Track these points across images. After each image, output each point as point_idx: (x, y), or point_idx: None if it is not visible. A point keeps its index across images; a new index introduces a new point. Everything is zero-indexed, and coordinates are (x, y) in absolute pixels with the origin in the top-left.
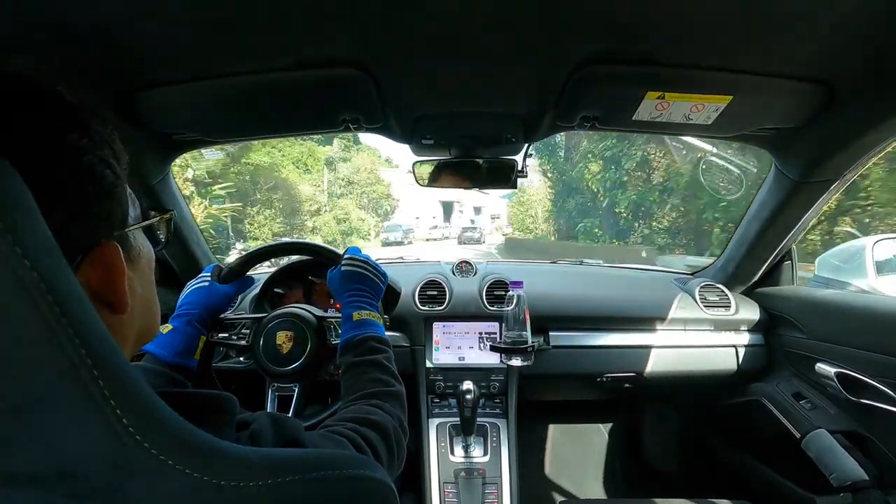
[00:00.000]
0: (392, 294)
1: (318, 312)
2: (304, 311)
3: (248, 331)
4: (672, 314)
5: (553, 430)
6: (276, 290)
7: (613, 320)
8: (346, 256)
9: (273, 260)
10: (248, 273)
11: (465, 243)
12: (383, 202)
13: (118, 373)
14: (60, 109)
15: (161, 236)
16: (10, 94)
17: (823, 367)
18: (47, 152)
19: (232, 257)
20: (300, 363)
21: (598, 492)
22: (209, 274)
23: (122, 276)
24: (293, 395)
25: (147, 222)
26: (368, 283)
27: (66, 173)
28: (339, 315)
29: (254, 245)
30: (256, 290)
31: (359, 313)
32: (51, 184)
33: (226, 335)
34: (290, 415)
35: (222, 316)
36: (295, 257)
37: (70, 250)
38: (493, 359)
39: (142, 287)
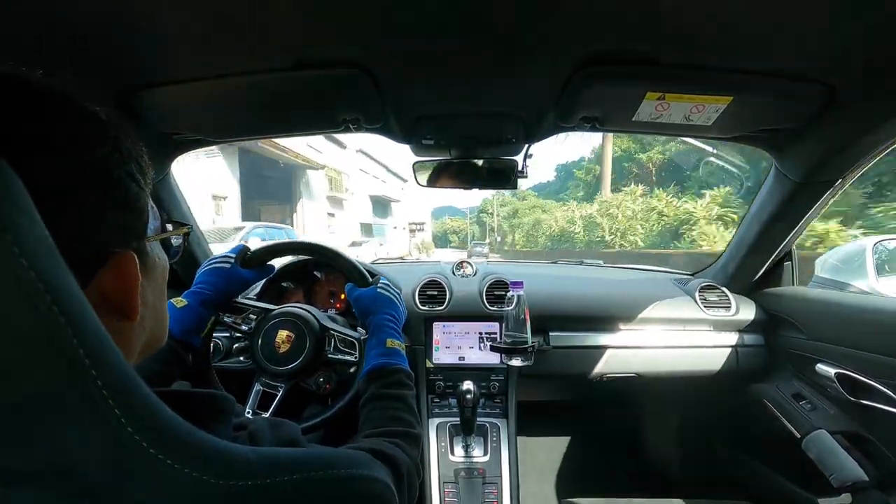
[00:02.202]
0: None
1: (323, 321)
2: (309, 315)
3: (254, 316)
4: (672, 315)
5: (553, 430)
6: (283, 283)
7: (613, 321)
8: (381, 281)
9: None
10: (270, 262)
11: (472, 257)
12: None
13: (117, 372)
14: (95, 125)
15: (176, 247)
16: (51, 107)
17: (823, 368)
18: (79, 164)
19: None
20: (293, 366)
21: (598, 492)
22: (234, 255)
23: (136, 284)
24: (277, 395)
25: (165, 235)
26: (398, 313)
27: (94, 185)
28: (341, 324)
29: None
30: (264, 280)
31: (392, 341)
32: (78, 193)
33: (232, 318)
34: (269, 413)
35: (233, 301)
36: (301, 256)
37: (89, 257)
38: (493, 359)
39: (154, 297)
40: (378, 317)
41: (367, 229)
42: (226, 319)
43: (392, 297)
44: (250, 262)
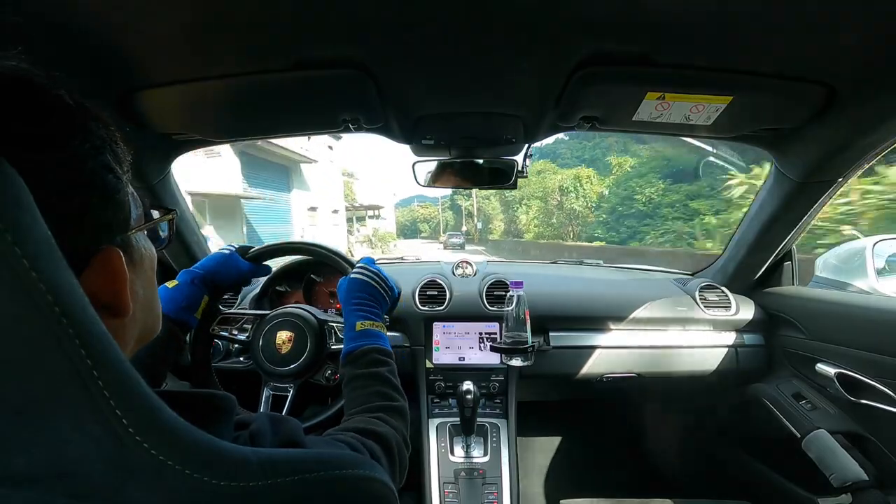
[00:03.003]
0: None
1: (320, 315)
2: (306, 312)
3: (249, 326)
4: (672, 314)
5: (553, 430)
6: (277, 287)
7: (614, 320)
8: (358, 265)
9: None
10: (267, 262)
11: (449, 248)
12: None
13: (118, 373)
14: (62, 113)
15: (164, 235)
16: (10, 96)
17: (823, 368)
18: (48, 158)
19: None
20: (297, 365)
21: (598, 492)
22: (237, 246)
23: (125, 281)
24: (287, 396)
25: (150, 224)
26: (375, 293)
27: (67, 179)
28: (340, 318)
29: None
30: (258, 288)
31: (361, 323)
32: (51, 190)
33: (227, 329)
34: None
35: (223, 314)
36: (295, 257)
37: (73, 256)
38: (493, 359)
39: (143, 289)
40: (348, 305)
41: (222, 212)
42: (221, 333)
43: (366, 278)
44: (250, 257)
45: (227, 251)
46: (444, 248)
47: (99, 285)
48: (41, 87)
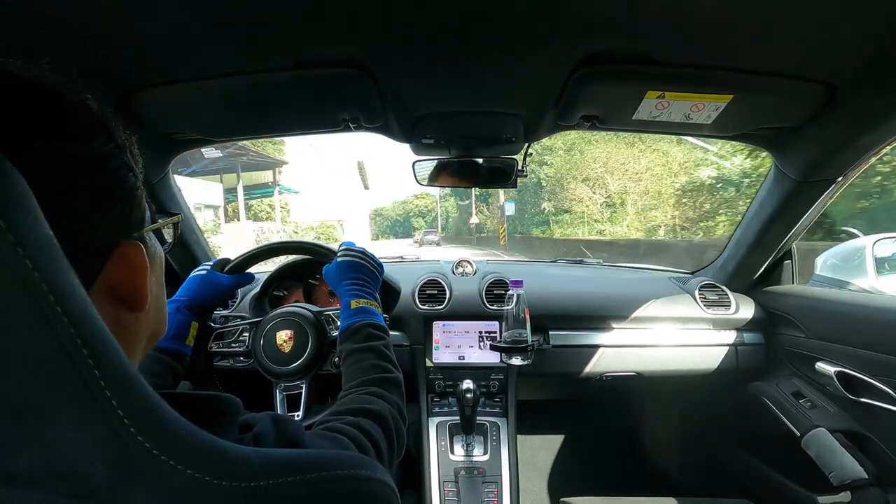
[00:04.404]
0: (392, 293)
1: (315, 308)
2: (300, 308)
3: (246, 335)
4: (672, 313)
5: (553, 429)
6: (274, 292)
7: (613, 319)
8: (341, 248)
9: (273, 262)
10: (248, 271)
11: (424, 244)
12: None
13: (120, 373)
14: (88, 117)
15: (168, 238)
16: (42, 101)
17: (823, 367)
18: (74, 154)
19: None
20: (303, 361)
21: (598, 490)
22: (212, 263)
23: (145, 274)
24: (301, 394)
25: (159, 224)
26: (365, 272)
27: (92, 176)
28: (339, 308)
29: None
30: (256, 292)
31: (357, 301)
32: (78, 186)
33: (225, 343)
34: (300, 413)
35: (217, 329)
36: (291, 259)
37: (94, 250)
38: (492, 358)
39: (156, 286)
40: (341, 287)
41: None
42: (219, 350)
43: (353, 259)
44: (229, 270)
45: (203, 271)
46: (420, 245)
47: (120, 278)
48: (69, 93)
